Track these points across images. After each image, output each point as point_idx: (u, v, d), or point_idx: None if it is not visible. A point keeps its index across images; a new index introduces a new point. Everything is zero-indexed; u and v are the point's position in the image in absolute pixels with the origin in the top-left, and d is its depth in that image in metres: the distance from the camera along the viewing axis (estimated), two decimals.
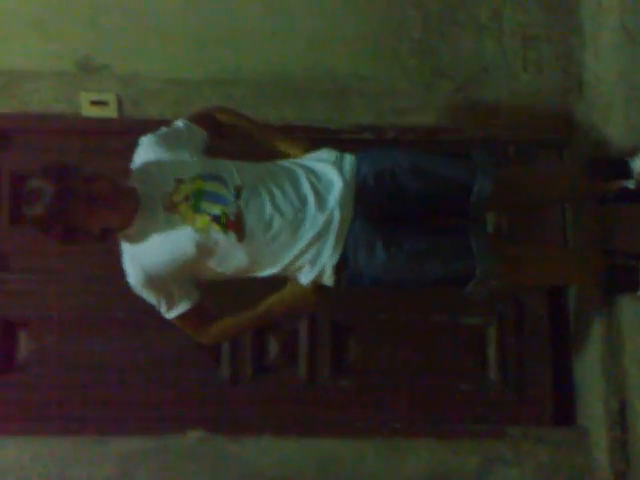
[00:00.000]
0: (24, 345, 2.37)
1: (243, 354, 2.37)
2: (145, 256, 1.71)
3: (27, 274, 2.36)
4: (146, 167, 1.77)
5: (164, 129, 1.85)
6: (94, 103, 2.29)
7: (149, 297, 1.76)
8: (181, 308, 1.76)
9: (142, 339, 2.33)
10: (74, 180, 1.61)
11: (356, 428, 2.32)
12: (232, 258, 1.73)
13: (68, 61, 2.29)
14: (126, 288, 2.18)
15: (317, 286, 1.77)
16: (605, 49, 2.28)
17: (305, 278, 1.77)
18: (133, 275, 1.74)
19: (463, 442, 2.31)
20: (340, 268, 1.75)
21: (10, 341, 2.35)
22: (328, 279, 1.76)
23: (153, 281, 1.72)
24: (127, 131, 2.25)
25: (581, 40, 2.39)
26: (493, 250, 1.80)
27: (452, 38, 2.38)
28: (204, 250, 1.70)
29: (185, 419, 2.31)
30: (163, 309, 1.77)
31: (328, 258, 1.73)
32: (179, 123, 1.87)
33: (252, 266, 1.76)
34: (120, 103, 2.30)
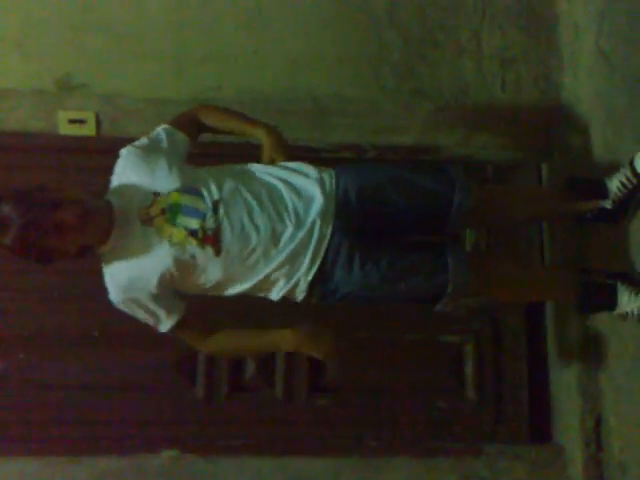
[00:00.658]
0: None
1: (219, 373, 2.35)
2: (124, 271, 1.70)
3: (1, 291, 2.31)
4: (123, 180, 1.76)
5: (144, 139, 1.83)
6: (72, 121, 2.27)
7: (134, 313, 1.75)
8: (171, 320, 1.75)
9: (116, 358, 2.31)
10: (40, 210, 1.59)
11: (333, 447, 2.32)
12: (209, 272, 1.72)
13: (47, 80, 2.28)
14: (100, 307, 2.16)
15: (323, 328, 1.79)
16: (583, 71, 2.31)
17: (278, 293, 1.77)
18: (114, 292, 1.73)
19: (440, 460, 2.32)
20: (314, 283, 1.75)
21: None
22: (300, 294, 1.77)
23: (135, 297, 1.71)
24: (105, 149, 2.23)
25: (559, 62, 2.42)
26: (469, 267, 1.80)
27: (432, 59, 2.40)
28: (181, 264, 1.69)
29: (159, 438, 2.29)
30: (152, 323, 1.76)
31: (304, 273, 1.73)
32: (160, 131, 1.84)
33: (227, 280, 1.75)
34: (98, 121, 2.29)
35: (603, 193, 1.97)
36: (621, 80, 2.09)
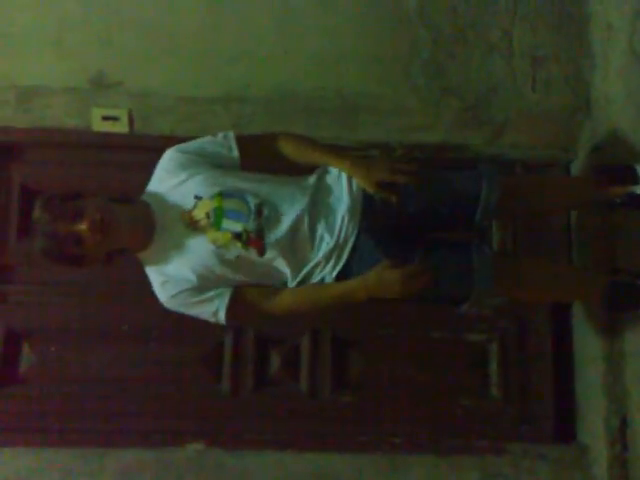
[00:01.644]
0: (26, 356, 2.37)
1: (244, 367, 2.38)
2: (167, 271, 1.72)
3: (31, 285, 2.37)
4: (165, 184, 1.77)
5: (195, 143, 1.82)
6: (105, 118, 2.31)
7: (186, 310, 1.76)
8: (223, 308, 1.73)
9: (143, 351, 2.35)
10: (60, 221, 1.62)
11: (356, 443, 2.33)
12: (253, 271, 1.76)
13: (81, 77, 2.32)
14: (128, 301, 2.21)
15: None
16: (614, 71, 2.28)
17: None
18: (161, 293, 1.74)
19: (463, 458, 2.33)
20: (339, 280, 1.76)
21: (13, 352, 2.35)
22: None
23: (181, 293, 1.72)
24: (138, 146, 2.32)
25: (590, 61, 2.39)
26: (494, 270, 1.79)
27: (462, 58, 2.39)
28: (225, 263, 1.72)
29: (185, 431, 2.32)
30: (207, 316, 1.76)
31: (329, 271, 1.76)
32: (220, 135, 1.82)
33: (273, 278, 1.78)
34: (131, 119, 2.32)
35: (633, 178, 1.95)
36: None
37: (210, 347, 2.37)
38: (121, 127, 2.31)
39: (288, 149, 1.84)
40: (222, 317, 1.75)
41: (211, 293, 1.73)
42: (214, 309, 1.75)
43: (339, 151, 1.85)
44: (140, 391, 2.35)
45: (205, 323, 1.81)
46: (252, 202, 1.73)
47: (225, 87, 2.34)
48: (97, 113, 2.31)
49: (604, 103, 2.33)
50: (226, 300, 1.74)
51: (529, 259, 2.28)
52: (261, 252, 1.73)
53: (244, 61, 2.35)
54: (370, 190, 1.77)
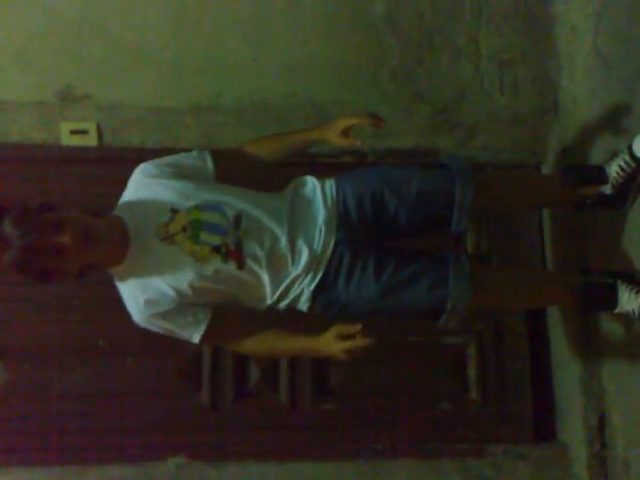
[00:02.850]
0: (2, 374, 2.32)
1: (223, 379, 2.36)
2: (144, 289, 1.67)
3: (4, 303, 2.32)
4: (137, 196, 1.74)
5: (169, 157, 1.81)
6: (74, 132, 2.29)
7: (162, 330, 1.72)
8: (200, 330, 1.71)
9: (121, 366, 2.32)
10: (40, 233, 1.56)
11: (338, 451, 2.33)
12: (234, 284, 1.73)
13: (48, 91, 2.29)
14: (104, 316, 2.17)
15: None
16: (580, 71, 2.32)
17: (285, 302, 1.77)
18: (136, 312, 1.69)
19: (445, 461, 2.33)
20: (317, 293, 1.75)
21: None
22: (304, 304, 1.77)
23: (158, 313, 1.68)
24: (108, 159, 2.30)
25: (556, 63, 2.43)
26: (470, 281, 1.78)
27: (430, 63, 2.41)
28: (204, 278, 1.69)
29: (165, 445, 2.30)
30: (182, 336, 1.73)
31: (307, 283, 1.74)
32: (195, 152, 1.83)
33: (252, 292, 1.75)
34: (100, 132, 2.30)
35: (602, 179, 1.96)
36: (617, 80, 2.09)
37: (189, 359, 2.34)
38: (90, 140, 2.29)
39: (259, 149, 1.86)
40: (195, 342, 1.74)
41: (188, 319, 1.70)
42: (189, 336, 1.73)
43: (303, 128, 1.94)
44: (119, 406, 2.31)
45: None
46: (229, 214, 1.71)
47: (195, 97, 2.33)
48: (65, 127, 2.29)
49: (571, 104, 2.37)
50: (202, 328, 1.71)
51: (504, 269, 2.27)
52: (241, 265, 1.70)
53: (214, 70, 2.34)
54: (338, 141, 1.84)
